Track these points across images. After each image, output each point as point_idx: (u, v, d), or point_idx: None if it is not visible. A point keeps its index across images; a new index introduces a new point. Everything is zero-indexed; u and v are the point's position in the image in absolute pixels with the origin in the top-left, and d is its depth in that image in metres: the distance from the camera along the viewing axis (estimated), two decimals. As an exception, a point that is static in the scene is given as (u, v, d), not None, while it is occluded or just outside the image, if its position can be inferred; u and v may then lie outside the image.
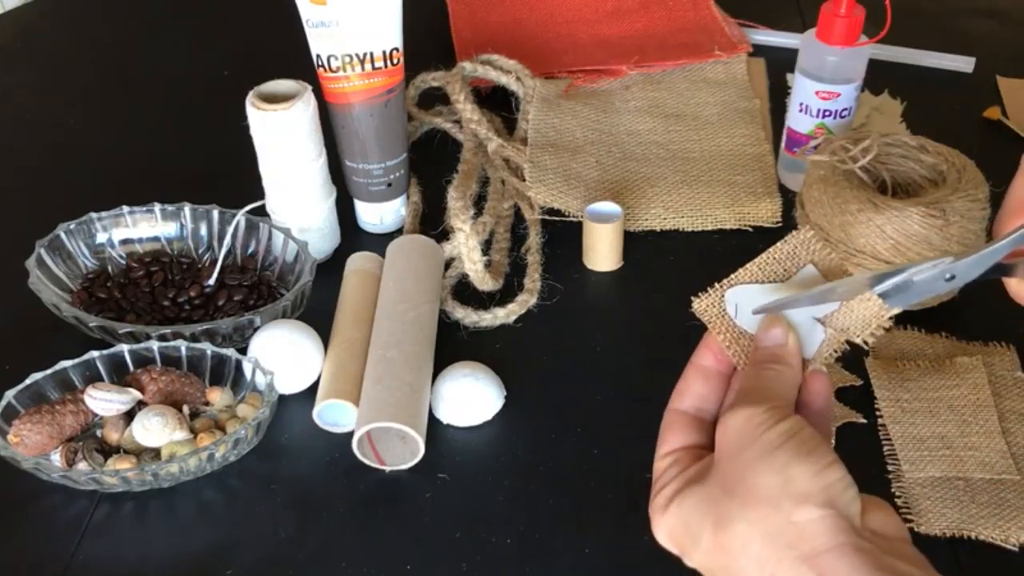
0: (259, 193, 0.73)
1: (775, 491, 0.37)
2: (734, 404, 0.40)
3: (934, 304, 0.68)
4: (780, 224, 0.78)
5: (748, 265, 0.46)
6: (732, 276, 0.46)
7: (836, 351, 0.45)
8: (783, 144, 0.82)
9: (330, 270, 0.73)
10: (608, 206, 0.74)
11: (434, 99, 0.92)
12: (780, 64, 0.96)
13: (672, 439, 0.43)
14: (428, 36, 1.00)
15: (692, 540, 0.39)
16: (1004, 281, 0.43)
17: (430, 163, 0.83)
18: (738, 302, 0.45)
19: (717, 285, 0.46)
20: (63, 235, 0.71)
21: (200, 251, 0.74)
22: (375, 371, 0.63)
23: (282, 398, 0.64)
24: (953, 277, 0.42)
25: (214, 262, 0.71)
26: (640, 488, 0.59)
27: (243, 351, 0.65)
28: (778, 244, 0.46)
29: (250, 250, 0.73)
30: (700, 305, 0.45)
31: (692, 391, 0.45)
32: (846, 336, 0.44)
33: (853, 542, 0.36)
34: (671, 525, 0.40)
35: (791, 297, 0.45)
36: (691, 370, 0.45)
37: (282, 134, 0.69)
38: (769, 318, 0.44)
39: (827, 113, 0.77)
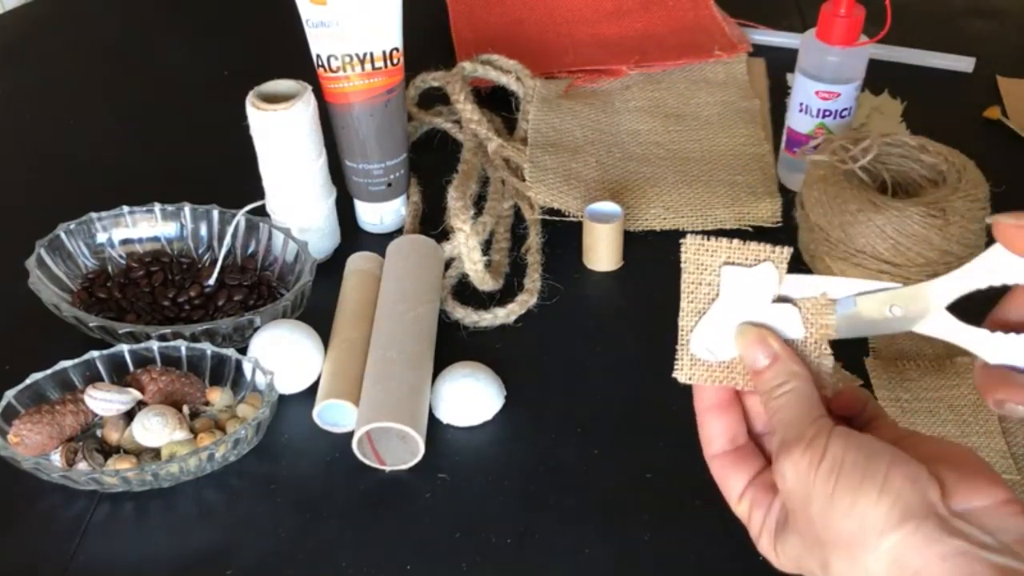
0: (259, 193, 0.73)
1: (855, 533, 0.37)
2: (777, 453, 0.40)
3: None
4: (780, 224, 0.78)
5: (681, 308, 0.45)
6: (680, 328, 0.45)
7: (824, 343, 0.45)
8: (783, 144, 0.82)
9: (330, 270, 0.73)
10: (608, 206, 0.74)
11: (434, 99, 0.92)
12: (780, 64, 0.96)
13: (733, 483, 0.44)
14: (428, 36, 1.00)
15: (811, 572, 0.40)
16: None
17: (430, 163, 0.83)
18: (707, 345, 0.45)
19: (679, 347, 0.45)
20: (63, 235, 0.71)
21: (200, 251, 0.74)
22: (375, 371, 0.63)
23: (282, 398, 0.64)
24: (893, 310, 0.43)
25: (214, 262, 0.71)
26: (640, 488, 0.59)
27: (243, 351, 0.65)
28: (682, 270, 0.45)
29: (250, 250, 0.73)
30: (683, 373, 0.45)
31: (715, 432, 0.45)
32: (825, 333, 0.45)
33: (939, 551, 0.35)
34: (788, 565, 0.41)
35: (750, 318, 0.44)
36: (702, 416, 0.45)
37: (282, 134, 0.69)
38: (744, 341, 0.43)
39: (827, 113, 0.77)
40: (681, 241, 0.44)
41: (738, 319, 0.44)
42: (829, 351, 0.44)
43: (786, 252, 0.43)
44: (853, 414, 0.43)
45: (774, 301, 0.44)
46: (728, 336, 0.44)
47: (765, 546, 0.42)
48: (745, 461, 0.44)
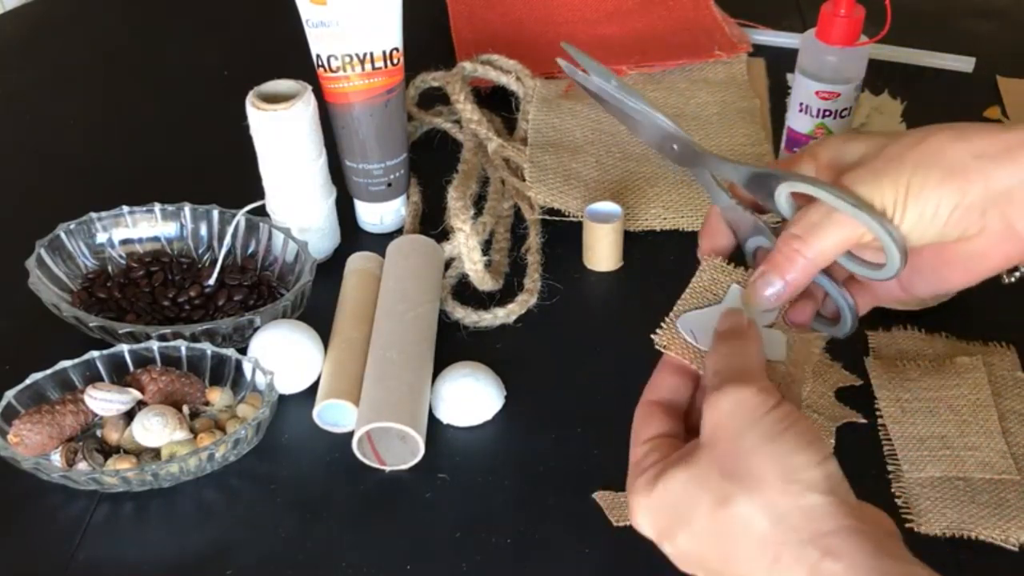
0: (259, 193, 0.73)
1: (780, 476, 0.37)
2: (718, 385, 0.41)
3: (934, 304, 0.68)
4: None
5: (683, 296, 0.48)
6: (675, 307, 0.48)
7: (815, 350, 0.47)
8: (783, 144, 0.82)
9: (330, 270, 0.73)
10: (608, 206, 0.74)
11: (434, 99, 0.92)
12: (780, 64, 0.96)
13: (649, 428, 0.44)
14: (428, 36, 1.00)
15: (680, 522, 0.39)
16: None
17: (430, 163, 0.83)
18: (692, 328, 0.47)
19: (667, 319, 0.48)
20: (63, 235, 0.71)
21: (200, 251, 0.74)
22: (375, 371, 0.63)
23: (282, 398, 0.64)
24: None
25: (214, 262, 0.71)
26: (640, 488, 0.59)
27: (243, 351, 0.65)
28: (697, 275, 0.49)
29: (250, 250, 0.73)
30: (662, 339, 0.47)
31: (665, 384, 0.46)
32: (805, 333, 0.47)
33: (856, 525, 0.36)
34: (655, 507, 0.40)
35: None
36: (663, 366, 0.47)
37: (282, 134, 0.69)
38: (726, 313, 0.45)
39: (827, 113, 0.77)
40: (704, 257, 0.49)
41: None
42: (808, 377, 0.47)
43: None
44: None
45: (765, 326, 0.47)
46: (712, 329, 0.46)
47: (641, 484, 0.41)
48: (671, 419, 0.44)
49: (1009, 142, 0.40)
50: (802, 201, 0.44)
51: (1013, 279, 0.44)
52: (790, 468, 0.37)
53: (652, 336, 0.47)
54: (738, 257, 0.50)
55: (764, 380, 0.41)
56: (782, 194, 0.44)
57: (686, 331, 0.47)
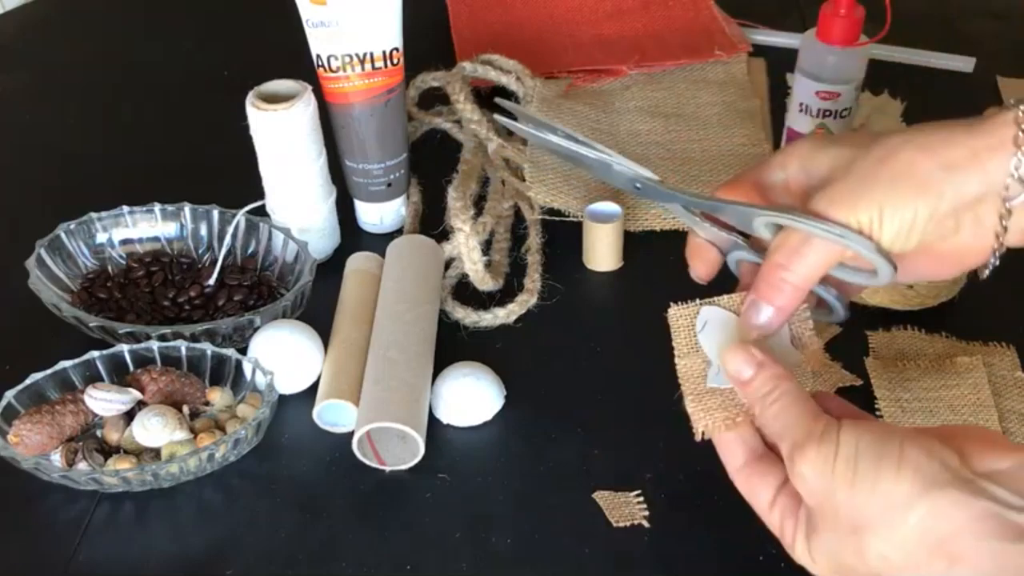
0: (259, 193, 0.73)
1: (881, 511, 0.37)
2: (790, 456, 0.41)
3: (934, 304, 0.68)
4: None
5: (733, 295, 0.48)
6: (716, 298, 0.47)
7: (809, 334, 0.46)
8: (783, 144, 0.82)
9: (330, 270, 0.73)
10: (608, 206, 0.74)
11: (434, 99, 0.92)
12: (780, 64, 0.96)
13: (761, 494, 0.44)
14: (428, 36, 1.00)
15: (852, 568, 0.40)
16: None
17: (430, 163, 0.83)
18: (708, 319, 0.47)
19: (699, 301, 0.47)
20: (63, 235, 0.71)
21: (200, 251, 0.74)
22: (375, 371, 0.63)
23: (282, 398, 0.64)
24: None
25: (214, 262, 0.71)
26: (640, 488, 0.59)
27: (243, 351, 0.65)
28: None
29: (250, 250, 0.73)
30: (674, 312, 0.47)
31: (733, 446, 0.45)
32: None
33: (968, 514, 0.36)
34: (827, 567, 0.41)
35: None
36: (721, 439, 0.46)
37: (282, 134, 0.69)
38: (727, 357, 0.45)
39: (827, 113, 0.77)
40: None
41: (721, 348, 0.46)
42: (811, 329, 0.46)
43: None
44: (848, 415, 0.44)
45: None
46: (725, 330, 0.46)
47: (800, 553, 0.42)
48: (769, 471, 0.44)
49: (975, 147, 0.40)
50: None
51: (986, 274, 0.44)
52: (883, 499, 0.37)
53: (670, 304, 0.47)
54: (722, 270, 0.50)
55: (814, 424, 0.41)
56: (759, 225, 0.45)
57: (701, 318, 0.47)
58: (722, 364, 0.45)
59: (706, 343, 0.46)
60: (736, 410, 0.45)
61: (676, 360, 0.47)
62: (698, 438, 0.46)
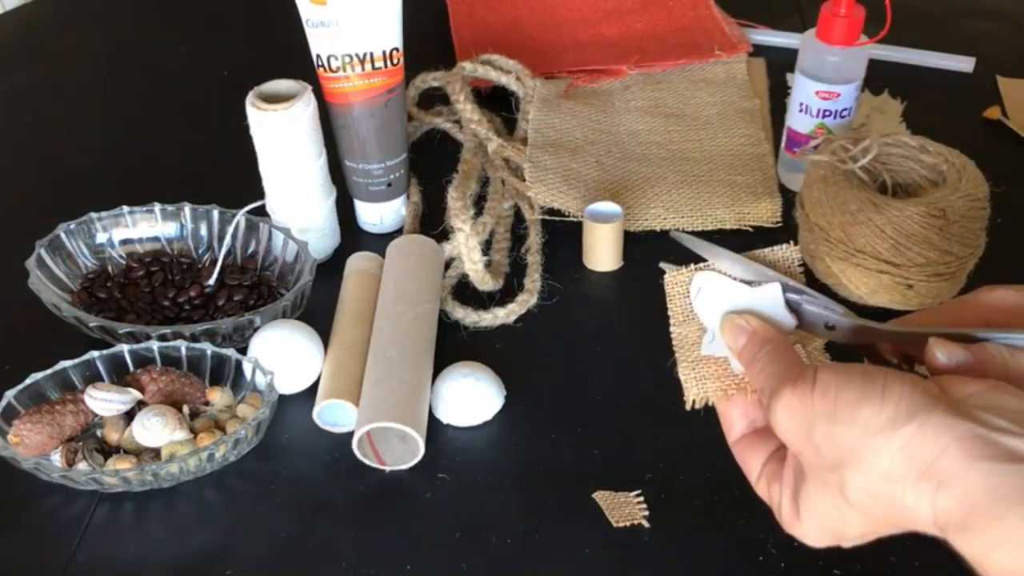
0: (259, 193, 0.73)
1: (863, 441, 0.37)
2: (768, 405, 0.41)
3: (934, 304, 0.68)
4: (780, 224, 0.78)
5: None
6: (711, 262, 0.47)
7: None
8: (783, 144, 0.82)
9: (330, 270, 0.73)
10: (608, 206, 0.74)
11: (434, 99, 0.92)
12: (780, 64, 0.96)
13: (752, 464, 0.44)
14: (428, 36, 1.00)
15: (836, 525, 0.40)
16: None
17: (430, 163, 0.83)
18: (702, 286, 0.46)
19: (693, 266, 0.47)
20: (63, 235, 0.71)
21: (200, 251, 0.74)
22: (375, 371, 0.63)
23: (282, 398, 0.64)
24: (833, 328, 0.45)
25: (214, 262, 0.71)
26: (640, 488, 0.59)
27: (243, 351, 0.65)
28: (764, 251, 0.47)
29: (250, 250, 0.73)
30: (670, 278, 0.47)
31: (734, 417, 0.46)
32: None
33: (955, 434, 0.35)
34: (814, 532, 0.41)
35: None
36: (721, 407, 0.46)
37: (282, 134, 0.69)
38: (724, 329, 0.45)
39: (827, 113, 0.77)
40: (789, 245, 0.47)
41: (718, 315, 0.46)
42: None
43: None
44: None
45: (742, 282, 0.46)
46: (723, 298, 0.46)
47: (787, 515, 0.41)
48: (762, 442, 0.44)
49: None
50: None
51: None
52: (864, 429, 0.37)
53: (663, 266, 0.47)
54: None
55: (795, 371, 0.40)
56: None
57: (696, 284, 0.46)
58: (722, 337, 0.45)
59: (700, 309, 0.46)
60: (729, 381, 0.45)
61: (671, 327, 0.47)
62: (688, 407, 0.45)
